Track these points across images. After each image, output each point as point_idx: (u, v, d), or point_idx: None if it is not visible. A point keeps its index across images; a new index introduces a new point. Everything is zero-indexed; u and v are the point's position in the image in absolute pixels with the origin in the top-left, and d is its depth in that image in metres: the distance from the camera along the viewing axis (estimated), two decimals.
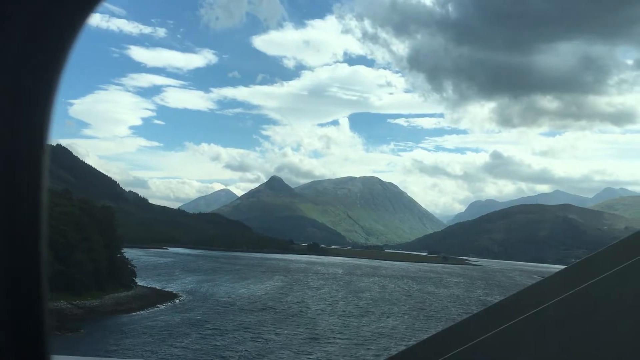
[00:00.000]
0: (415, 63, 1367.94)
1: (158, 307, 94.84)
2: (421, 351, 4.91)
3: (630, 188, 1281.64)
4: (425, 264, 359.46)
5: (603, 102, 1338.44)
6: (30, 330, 1.76)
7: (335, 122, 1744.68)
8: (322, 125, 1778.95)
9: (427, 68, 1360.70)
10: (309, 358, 63.02)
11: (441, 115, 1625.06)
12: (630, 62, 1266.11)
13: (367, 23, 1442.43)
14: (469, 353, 4.18)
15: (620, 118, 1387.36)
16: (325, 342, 71.47)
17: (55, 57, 1.77)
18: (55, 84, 1.78)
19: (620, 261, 4.06)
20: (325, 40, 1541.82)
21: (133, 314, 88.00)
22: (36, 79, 1.74)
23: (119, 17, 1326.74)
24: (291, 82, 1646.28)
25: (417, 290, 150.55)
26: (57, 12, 1.76)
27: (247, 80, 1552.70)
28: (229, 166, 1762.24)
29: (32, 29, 1.69)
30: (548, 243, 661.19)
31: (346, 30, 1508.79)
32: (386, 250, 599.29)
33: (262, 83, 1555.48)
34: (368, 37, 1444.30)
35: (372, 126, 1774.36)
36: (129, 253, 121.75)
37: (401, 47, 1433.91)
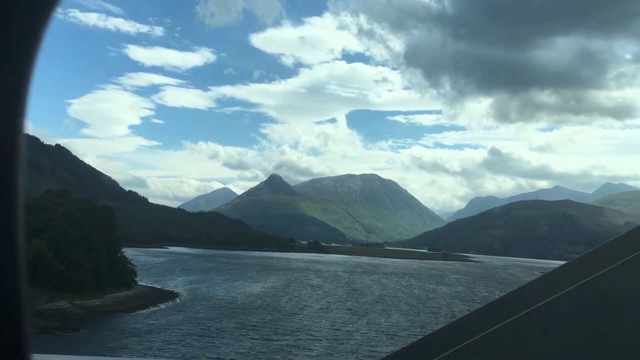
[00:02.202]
0: (412, 59, 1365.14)
1: (159, 306, 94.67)
2: (423, 347, 4.92)
3: (630, 183, 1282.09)
4: (426, 261, 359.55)
5: (602, 96, 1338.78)
6: (8, 329, 1.69)
7: (332, 120, 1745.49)
8: (319, 123, 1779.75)
9: (424, 64, 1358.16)
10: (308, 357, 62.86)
11: (440, 112, 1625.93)
12: (628, 56, 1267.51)
13: (362, 18, 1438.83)
14: (471, 349, 4.20)
15: (620, 112, 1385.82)
16: (324, 343, 71.22)
17: (26, 43, 1.73)
18: (28, 71, 1.74)
19: (620, 256, 4.08)
20: (323, 37, 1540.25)
21: (134, 313, 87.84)
22: (7, 67, 1.70)
23: (116, 16, 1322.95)
24: (289, 80, 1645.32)
25: (419, 288, 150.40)
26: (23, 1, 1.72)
27: (245, 78, 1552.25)
28: (227, 164, 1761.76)
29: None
30: (548, 239, 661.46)
31: (342, 27, 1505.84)
32: (386, 248, 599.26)
33: (260, 81, 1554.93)
34: (364, 33, 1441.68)
35: (370, 123, 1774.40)
36: (129, 252, 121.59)
37: (398, 43, 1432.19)
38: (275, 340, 69.41)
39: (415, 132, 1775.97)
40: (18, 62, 1.72)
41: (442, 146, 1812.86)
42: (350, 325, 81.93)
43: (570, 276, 4.40)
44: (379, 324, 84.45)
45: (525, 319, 4.07)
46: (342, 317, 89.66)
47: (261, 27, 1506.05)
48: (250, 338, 70.27)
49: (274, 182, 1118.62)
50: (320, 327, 79.88)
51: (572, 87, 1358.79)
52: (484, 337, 4.16)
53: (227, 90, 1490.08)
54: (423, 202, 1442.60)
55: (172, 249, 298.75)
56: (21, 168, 1.70)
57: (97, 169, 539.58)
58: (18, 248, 1.70)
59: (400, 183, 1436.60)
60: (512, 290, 4.98)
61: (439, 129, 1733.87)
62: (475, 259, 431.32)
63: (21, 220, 1.70)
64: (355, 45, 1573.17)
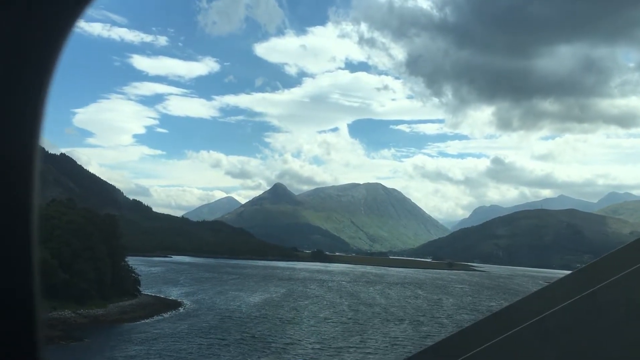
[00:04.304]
0: (414, 67, 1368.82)
1: (162, 315, 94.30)
2: (428, 357, 4.91)
3: (635, 192, 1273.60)
4: (431, 270, 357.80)
5: (606, 104, 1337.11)
6: (22, 339, 1.71)
7: (334, 129, 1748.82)
8: (322, 132, 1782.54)
9: (426, 72, 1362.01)
10: None
11: (443, 121, 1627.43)
12: (632, 64, 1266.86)
13: (363, 27, 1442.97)
14: (476, 359, 4.16)
15: (625, 120, 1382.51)
16: (327, 355, 70.65)
17: (45, 57, 1.77)
18: (45, 85, 1.79)
19: (626, 266, 4.06)
20: (327, 47, 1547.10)
21: (138, 322, 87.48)
22: (26, 79, 1.74)
23: (120, 25, 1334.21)
24: (293, 90, 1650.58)
25: (425, 299, 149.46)
26: (44, 13, 1.76)
27: (249, 87, 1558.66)
28: (229, 173, 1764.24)
29: (20, 28, 1.70)
30: (553, 248, 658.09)
31: (342, 35, 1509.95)
32: (390, 257, 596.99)
33: (264, 90, 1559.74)
34: (365, 41, 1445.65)
35: (373, 132, 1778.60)
36: (133, 261, 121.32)
37: (400, 52, 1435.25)
38: (277, 352, 68.87)
39: (418, 141, 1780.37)
40: (37, 74, 1.75)
41: (446, 155, 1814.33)
42: (355, 337, 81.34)
43: (576, 286, 4.39)
44: (382, 336, 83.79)
45: (530, 329, 4.03)
46: (345, 329, 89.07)
47: (264, 36, 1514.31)
48: (250, 349, 69.82)
49: (277, 191, 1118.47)
50: (321, 338, 79.28)
51: (576, 95, 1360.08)
52: (489, 348, 4.12)
53: (231, 100, 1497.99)
54: (427, 211, 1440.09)
55: (175, 258, 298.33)
56: (36, 179, 1.76)
57: (101, 178, 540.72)
58: (32, 259, 1.73)
59: (403, 192, 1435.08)
60: (517, 299, 4.99)
61: (442, 138, 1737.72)
62: (480, 269, 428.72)
63: (36, 231, 1.74)
64: (358, 54, 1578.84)
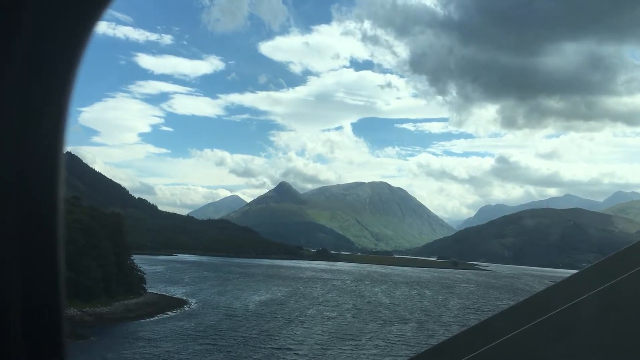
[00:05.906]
0: (418, 65, 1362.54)
1: (167, 314, 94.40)
2: (438, 354, 4.91)
3: None
4: (436, 269, 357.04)
5: (613, 102, 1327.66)
6: (46, 336, 1.76)
7: (339, 128, 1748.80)
8: (326, 130, 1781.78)
9: (430, 70, 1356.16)
10: None
11: (447, 120, 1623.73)
12: (638, 62, 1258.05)
13: (367, 24, 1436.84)
14: (485, 356, 4.17)
15: (631, 118, 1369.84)
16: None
17: (66, 64, 1.81)
18: (67, 90, 1.82)
19: (633, 265, 4.06)
20: (331, 45, 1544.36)
21: (143, 320, 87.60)
22: (48, 86, 1.77)
23: (125, 24, 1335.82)
24: (298, 88, 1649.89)
25: (432, 299, 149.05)
26: (66, 18, 1.78)
27: (253, 86, 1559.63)
28: (234, 172, 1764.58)
29: (41, 35, 1.71)
30: (559, 247, 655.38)
31: (345, 32, 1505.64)
32: (396, 256, 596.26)
33: (268, 89, 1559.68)
34: (368, 39, 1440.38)
35: (378, 131, 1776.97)
36: (138, 259, 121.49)
37: (404, 49, 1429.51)
38: (280, 352, 68.77)
39: (423, 140, 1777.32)
40: (59, 78, 1.78)
41: (450, 154, 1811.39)
42: (361, 338, 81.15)
43: (583, 285, 4.39)
44: (387, 335, 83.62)
45: (538, 327, 4.03)
46: (349, 329, 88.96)
47: (269, 35, 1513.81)
48: (254, 348, 69.77)
49: (282, 190, 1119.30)
50: (325, 338, 79.13)
51: (582, 92, 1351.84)
52: (498, 346, 4.13)
53: (236, 98, 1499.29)
54: (432, 210, 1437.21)
55: (181, 256, 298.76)
56: (61, 182, 1.81)
57: (107, 176, 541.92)
58: (58, 260, 1.76)
59: (408, 191, 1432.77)
60: (524, 298, 5.01)
61: (447, 136, 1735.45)
62: (486, 268, 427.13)
63: (61, 233, 1.75)
64: (362, 52, 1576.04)
